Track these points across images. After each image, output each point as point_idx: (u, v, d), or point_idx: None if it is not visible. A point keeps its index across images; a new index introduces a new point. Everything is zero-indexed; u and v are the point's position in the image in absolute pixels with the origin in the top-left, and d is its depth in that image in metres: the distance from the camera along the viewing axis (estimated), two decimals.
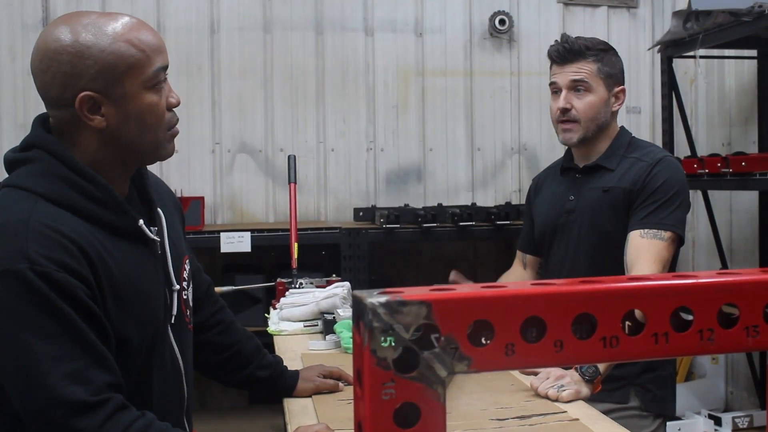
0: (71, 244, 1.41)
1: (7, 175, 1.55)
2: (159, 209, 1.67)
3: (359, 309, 0.59)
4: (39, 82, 1.51)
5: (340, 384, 2.04)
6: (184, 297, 1.69)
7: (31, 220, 1.41)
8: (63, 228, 1.42)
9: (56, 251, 1.39)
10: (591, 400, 1.98)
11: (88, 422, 1.35)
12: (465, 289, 0.61)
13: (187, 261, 1.74)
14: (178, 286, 1.65)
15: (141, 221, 1.56)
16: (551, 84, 2.52)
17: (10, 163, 1.54)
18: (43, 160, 1.49)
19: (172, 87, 1.58)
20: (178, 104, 1.58)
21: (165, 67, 1.55)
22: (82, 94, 1.46)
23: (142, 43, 1.50)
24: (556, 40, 2.54)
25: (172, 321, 1.63)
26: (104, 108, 1.49)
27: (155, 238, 1.60)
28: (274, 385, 2.02)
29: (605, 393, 2.19)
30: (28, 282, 1.36)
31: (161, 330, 1.60)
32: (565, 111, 2.46)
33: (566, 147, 2.66)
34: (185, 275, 1.71)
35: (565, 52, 2.46)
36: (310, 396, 2.00)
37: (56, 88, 1.48)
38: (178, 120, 1.60)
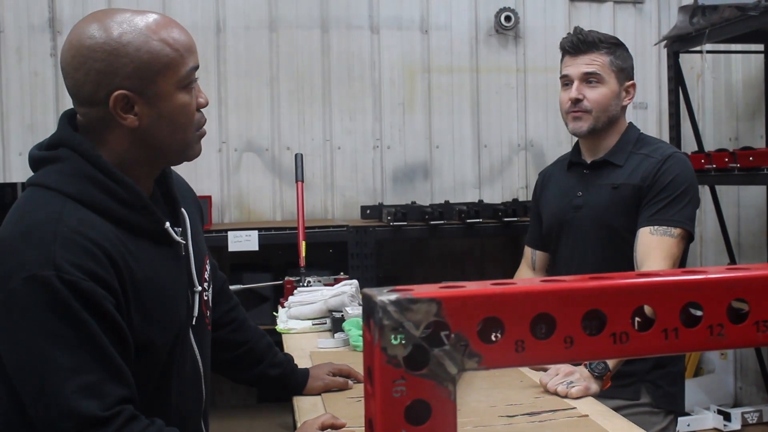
0: (99, 250, 1.39)
1: (32, 173, 1.53)
2: (183, 209, 1.66)
3: (369, 307, 0.59)
4: (70, 80, 1.49)
5: (350, 382, 2.04)
6: (205, 298, 1.68)
7: (59, 224, 1.39)
8: (91, 233, 1.40)
9: (84, 258, 1.37)
10: (602, 396, 1.97)
11: None
12: (475, 286, 0.61)
13: (207, 261, 1.74)
14: (200, 288, 1.64)
15: (167, 223, 1.55)
16: (563, 77, 2.52)
17: (36, 161, 1.52)
18: (70, 160, 1.47)
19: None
20: (206, 104, 1.57)
21: (196, 67, 1.54)
22: (117, 92, 1.45)
23: (176, 42, 1.49)
24: (569, 33, 2.54)
25: (193, 322, 1.62)
26: (138, 107, 1.47)
27: (180, 240, 1.59)
28: (285, 383, 2.03)
29: (616, 389, 2.19)
30: (54, 290, 1.34)
31: (182, 332, 1.58)
32: (576, 101, 2.45)
33: (573, 142, 2.65)
34: (206, 276, 1.70)
35: (579, 42, 2.46)
36: (319, 394, 2.00)
37: (89, 86, 1.46)
38: (206, 120, 1.58)
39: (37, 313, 1.35)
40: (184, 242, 1.61)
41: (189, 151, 1.57)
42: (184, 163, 1.64)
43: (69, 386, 1.34)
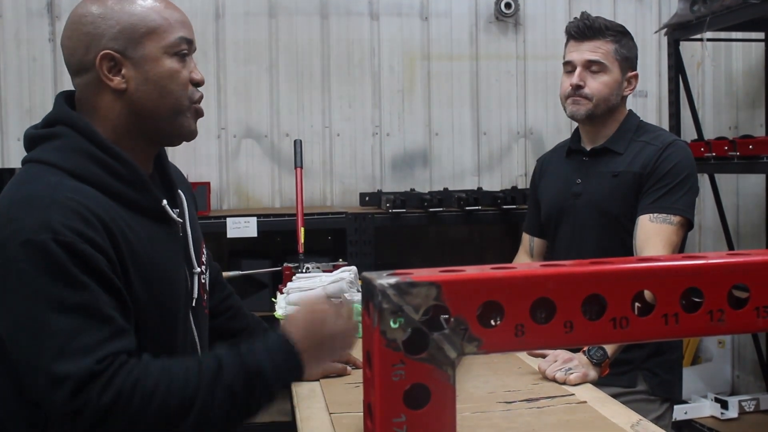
0: (94, 217, 1.39)
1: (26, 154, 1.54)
2: (180, 191, 1.67)
3: (369, 290, 0.59)
4: (66, 50, 1.54)
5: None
6: (203, 281, 1.68)
7: (57, 193, 1.40)
8: (87, 201, 1.41)
9: (79, 223, 1.37)
10: (598, 383, 1.98)
11: (88, 394, 1.32)
12: (475, 270, 0.61)
13: (203, 245, 1.74)
14: (199, 269, 1.65)
15: (164, 201, 1.56)
16: (566, 63, 2.50)
17: (32, 140, 1.53)
18: (67, 136, 1.49)
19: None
20: (202, 82, 1.58)
21: (189, 40, 1.56)
22: (103, 52, 1.48)
23: (165, 11, 1.54)
24: (576, 17, 2.52)
25: (193, 304, 1.63)
26: (125, 70, 1.50)
27: (178, 219, 1.60)
28: None
29: (613, 377, 2.20)
30: (50, 253, 1.34)
31: (182, 313, 1.59)
32: (578, 88, 2.44)
33: (572, 130, 2.64)
34: (203, 259, 1.71)
35: (585, 28, 2.44)
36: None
37: (80, 51, 1.51)
38: (202, 97, 1.59)
39: (33, 277, 1.35)
40: (181, 221, 1.61)
41: (181, 122, 1.56)
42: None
43: (67, 349, 1.32)
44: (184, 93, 1.55)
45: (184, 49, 1.54)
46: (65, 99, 1.55)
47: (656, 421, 2.40)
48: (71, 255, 1.35)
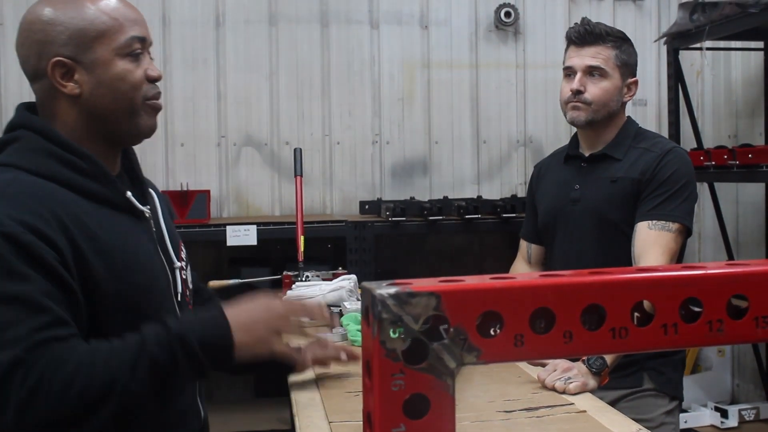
0: (46, 211, 1.40)
1: None
2: (151, 190, 1.68)
3: (368, 300, 0.59)
4: (21, 58, 1.55)
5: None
6: (184, 276, 1.69)
7: (8, 188, 1.42)
8: (39, 194, 1.42)
9: (26, 214, 1.38)
10: (605, 387, 1.97)
11: (12, 383, 1.30)
12: (474, 280, 0.61)
13: (182, 246, 1.75)
14: (179, 264, 1.66)
15: (129, 193, 1.56)
16: (566, 68, 2.51)
17: None
18: (27, 138, 1.51)
19: (174, 78, 1.59)
20: (159, 78, 1.58)
21: (142, 39, 1.56)
22: (54, 59, 1.49)
23: (114, 11, 1.53)
24: (576, 23, 2.54)
25: (178, 299, 1.64)
26: (77, 75, 1.51)
27: (144, 209, 1.60)
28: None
29: (618, 380, 2.19)
30: None
31: (168, 306, 1.60)
32: (578, 93, 2.45)
33: (571, 135, 2.65)
34: (183, 256, 1.72)
35: (586, 33, 2.46)
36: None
37: (33, 59, 1.52)
38: (159, 93, 1.60)
39: None
40: (149, 212, 1.62)
41: (138, 121, 1.57)
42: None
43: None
44: (138, 93, 1.55)
45: (137, 49, 1.55)
46: (26, 107, 1.58)
47: (666, 415, 2.39)
48: (13, 246, 1.35)
